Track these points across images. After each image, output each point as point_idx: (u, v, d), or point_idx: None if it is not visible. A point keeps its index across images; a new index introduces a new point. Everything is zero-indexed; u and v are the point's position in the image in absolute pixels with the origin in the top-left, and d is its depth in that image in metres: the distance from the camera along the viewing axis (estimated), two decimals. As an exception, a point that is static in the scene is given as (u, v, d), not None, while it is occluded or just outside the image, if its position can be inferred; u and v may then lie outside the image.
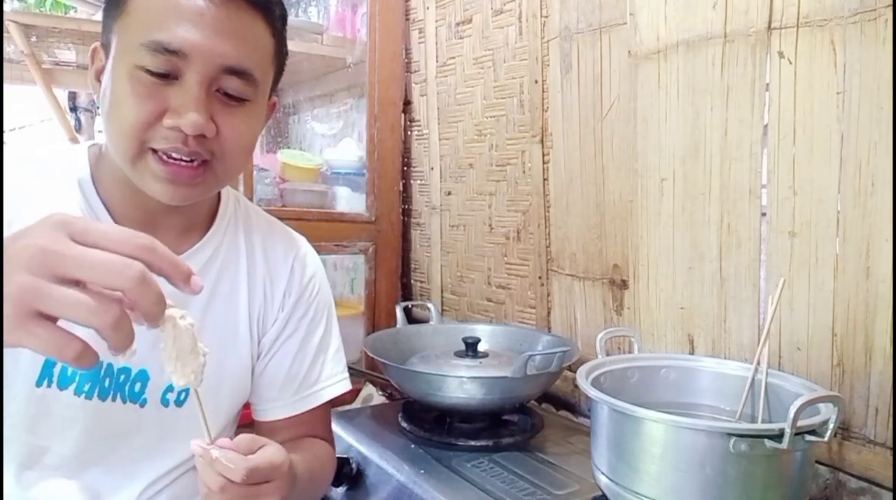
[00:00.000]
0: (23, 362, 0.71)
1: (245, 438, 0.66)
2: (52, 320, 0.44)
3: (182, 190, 0.69)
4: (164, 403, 0.78)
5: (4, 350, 0.45)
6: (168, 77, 0.65)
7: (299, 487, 0.74)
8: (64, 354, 0.44)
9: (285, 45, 0.77)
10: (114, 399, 0.74)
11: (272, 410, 0.87)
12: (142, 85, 0.65)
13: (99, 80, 0.71)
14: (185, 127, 0.65)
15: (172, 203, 0.70)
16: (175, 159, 0.67)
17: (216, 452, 0.61)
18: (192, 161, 0.68)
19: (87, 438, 0.74)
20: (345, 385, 0.92)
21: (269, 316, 0.86)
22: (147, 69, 0.64)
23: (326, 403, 0.90)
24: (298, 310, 0.87)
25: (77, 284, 0.44)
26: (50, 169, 0.75)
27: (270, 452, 0.65)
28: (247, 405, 0.89)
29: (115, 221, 0.74)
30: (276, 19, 0.72)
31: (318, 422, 0.91)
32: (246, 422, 0.92)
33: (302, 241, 0.92)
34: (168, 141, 0.66)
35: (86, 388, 0.73)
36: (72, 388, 0.72)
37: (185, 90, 0.65)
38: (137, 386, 0.76)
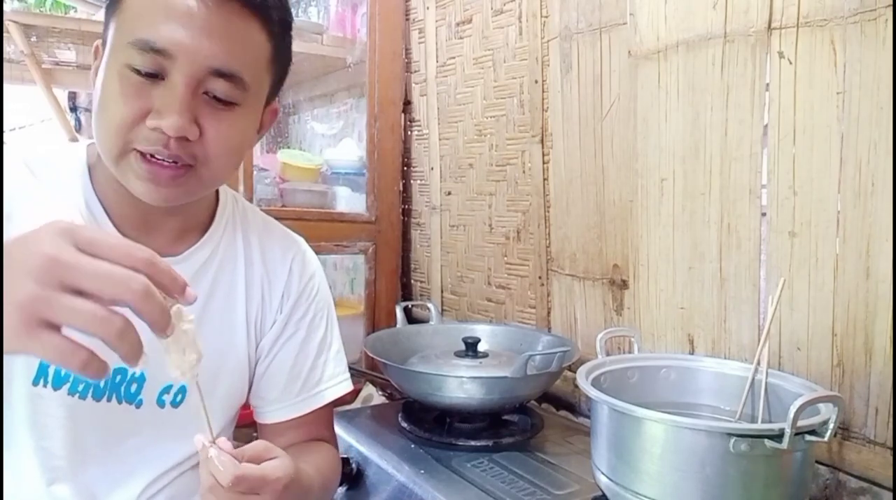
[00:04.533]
0: (18, 362, 0.70)
1: (258, 446, 0.64)
2: (57, 329, 0.45)
3: (164, 191, 0.68)
4: (161, 404, 0.77)
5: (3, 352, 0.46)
6: (155, 77, 0.65)
7: (312, 496, 0.74)
8: (70, 362, 0.45)
9: (287, 51, 0.75)
10: (109, 399, 0.74)
11: (275, 412, 0.87)
12: (129, 84, 0.64)
13: None
14: (165, 128, 0.64)
15: (155, 204, 0.69)
16: (157, 160, 0.66)
17: (213, 451, 0.61)
18: (174, 163, 0.67)
19: (82, 438, 0.74)
20: (347, 386, 0.91)
21: (268, 318, 0.86)
22: (134, 68, 0.64)
23: (329, 404, 0.90)
24: (298, 311, 0.87)
25: (82, 294, 0.45)
26: (49, 168, 0.74)
27: (271, 466, 0.64)
28: (246, 405, 0.89)
29: (114, 223, 0.74)
30: (273, 24, 0.70)
31: (321, 423, 0.90)
32: (245, 423, 0.92)
33: (300, 241, 0.91)
34: (150, 142, 0.65)
35: (79, 388, 0.72)
36: (65, 388, 0.72)
37: (170, 91, 0.64)
38: (133, 387, 0.75)
